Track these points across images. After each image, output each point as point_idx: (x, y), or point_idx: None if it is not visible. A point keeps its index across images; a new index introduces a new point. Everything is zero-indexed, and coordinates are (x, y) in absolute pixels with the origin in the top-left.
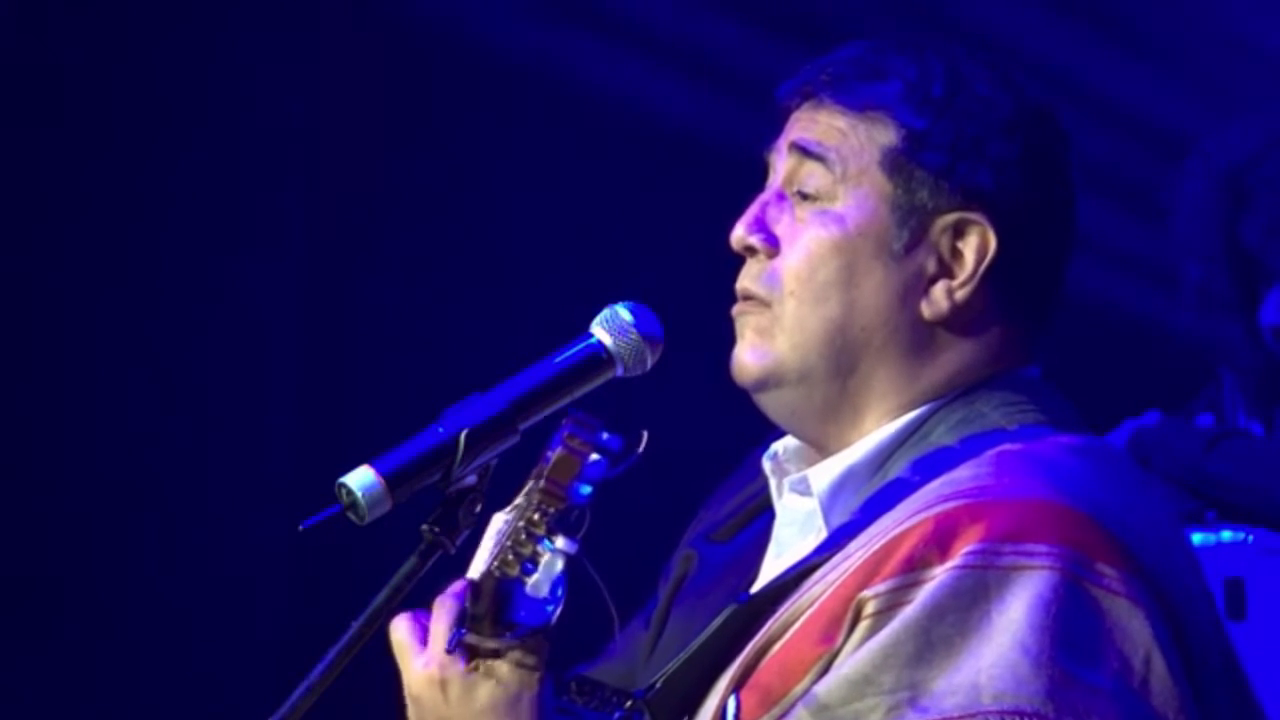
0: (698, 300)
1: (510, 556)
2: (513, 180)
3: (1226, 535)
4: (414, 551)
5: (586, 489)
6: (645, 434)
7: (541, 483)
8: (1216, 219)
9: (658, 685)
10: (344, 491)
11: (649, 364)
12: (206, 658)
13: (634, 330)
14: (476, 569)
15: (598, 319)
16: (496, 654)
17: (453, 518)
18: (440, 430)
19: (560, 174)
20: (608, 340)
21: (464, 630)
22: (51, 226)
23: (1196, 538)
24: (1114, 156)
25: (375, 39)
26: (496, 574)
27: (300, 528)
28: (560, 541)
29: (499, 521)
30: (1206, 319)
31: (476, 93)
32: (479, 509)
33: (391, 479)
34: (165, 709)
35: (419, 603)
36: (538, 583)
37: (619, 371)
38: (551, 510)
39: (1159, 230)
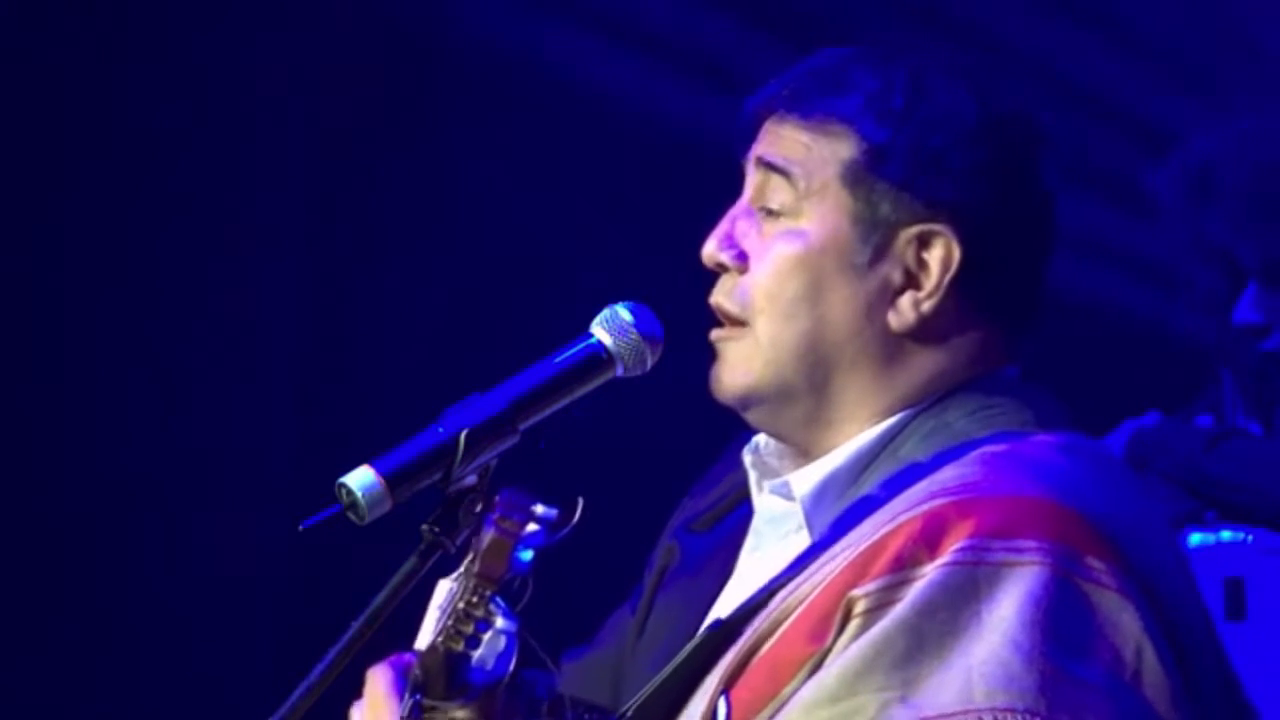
0: (698, 300)
1: (454, 633)
2: (513, 180)
3: (1226, 535)
4: (414, 551)
5: (528, 555)
6: (581, 501)
7: (475, 566)
8: (1194, 220)
9: (629, 715)
10: (344, 491)
11: (649, 364)
12: (206, 658)
13: (634, 330)
14: (423, 640)
15: (598, 319)
16: (452, 717)
17: (453, 518)
18: (440, 430)
19: (561, 174)
20: (608, 340)
21: (419, 696)
22: (51, 226)
23: (1196, 538)
24: (1114, 156)
25: (376, 38)
26: (441, 649)
27: (300, 528)
28: (499, 621)
29: (443, 590)
30: (1204, 319)
31: (477, 92)
32: (479, 509)
33: (391, 479)
34: (165, 709)
35: (419, 603)
36: (483, 657)
37: (619, 371)
38: (488, 592)
39: (1156, 229)
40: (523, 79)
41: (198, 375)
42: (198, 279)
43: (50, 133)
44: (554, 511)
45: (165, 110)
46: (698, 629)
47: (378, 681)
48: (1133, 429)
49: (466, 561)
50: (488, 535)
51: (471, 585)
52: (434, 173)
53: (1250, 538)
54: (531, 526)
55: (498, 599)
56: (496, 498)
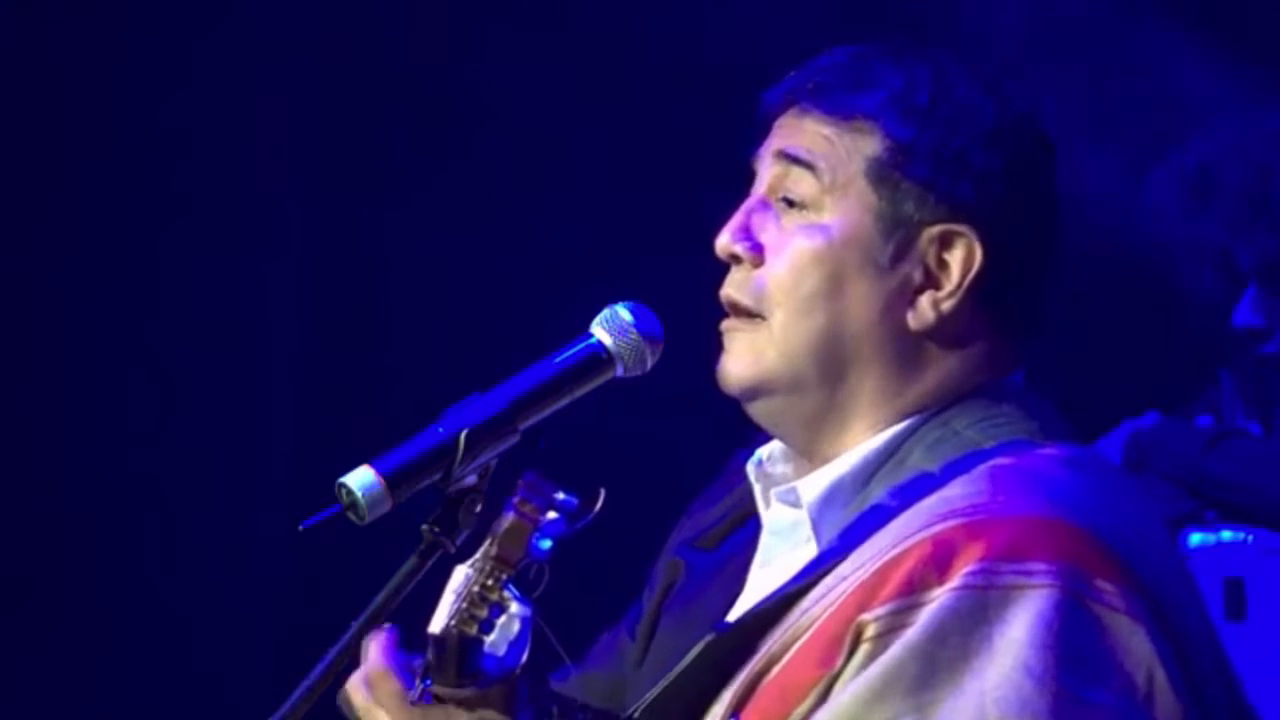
0: (699, 300)
1: (468, 617)
2: (514, 180)
3: (1226, 535)
4: (414, 551)
5: (546, 543)
6: (603, 491)
7: (493, 549)
8: (1193, 222)
9: (636, 716)
10: (344, 491)
11: (649, 364)
12: (206, 658)
13: (634, 330)
14: (438, 623)
15: (598, 319)
16: (462, 703)
17: (453, 518)
18: (440, 430)
19: (562, 174)
20: (608, 340)
21: (430, 681)
22: (51, 226)
23: (1196, 538)
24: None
25: (375, 35)
26: (455, 632)
27: (300, 528)
28: (514, 607)
29: (460, 574)
30: (1204, 321)
31: (476, 91)
32: (479, 509)
33: (391, 479)
34: (165, 709)
35: (418, 603)
36: (495, 643)
37: (619, 371)
38: (504, 576)
39: (1155, 230)
40: (524, 75)
41: (198, 375)
42: (198, 279)
43: (50, 133)
44: (574, 500)
45: (165, 110)
46: None
47: (373, 650)
48: (1132, 429)
49: (485, 545)
50: (507, 518)
51: (488, 568)
52: (434, 172)
53: (1250, 538)
54: (551, 514)
55: (512, 584)
56: (519, 480)
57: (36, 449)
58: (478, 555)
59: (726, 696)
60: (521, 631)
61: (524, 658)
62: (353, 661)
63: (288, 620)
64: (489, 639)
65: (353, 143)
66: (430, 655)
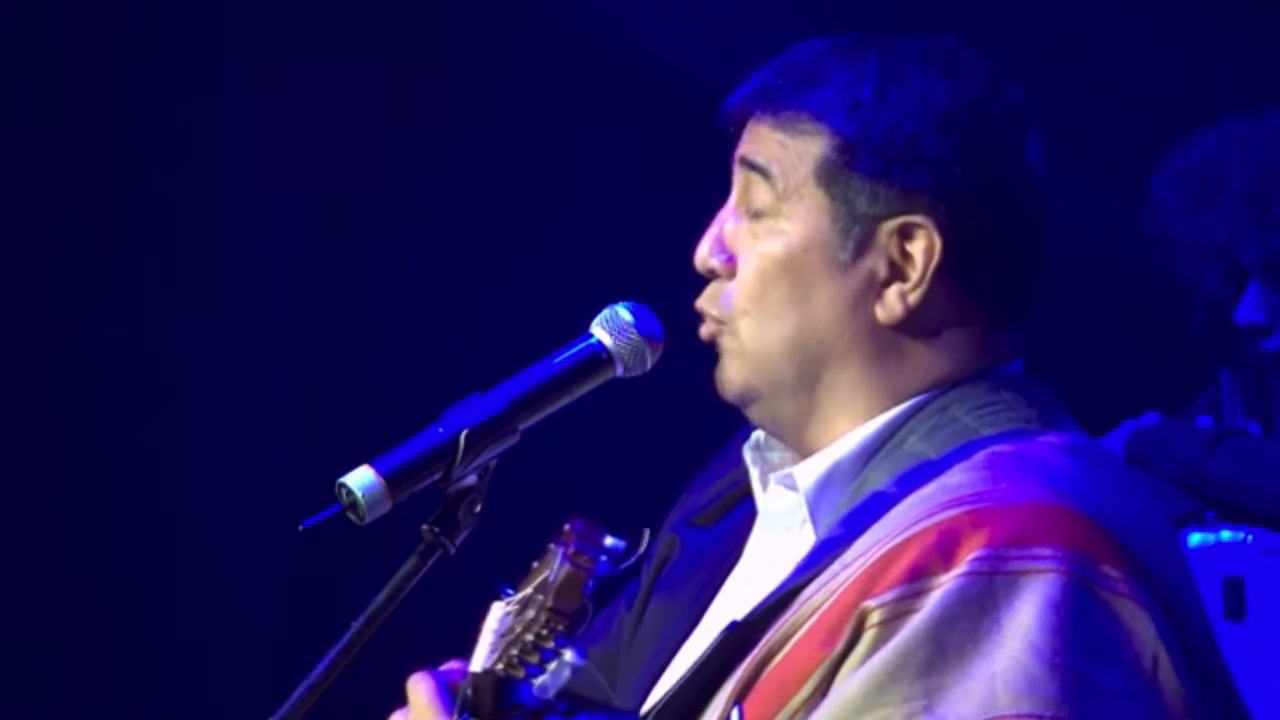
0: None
1: (515, 661)
2: (514, 179)
3: (1226, 535)
4: (414, 551)
5: (589, 584)
6: (647, 532)
7: (549, 602)
8: (1195, 220)
9: (651, 718)
10: (344, 491)
11: (649, 364)
12: (206, 658)
13: (634, 330)
14: (478, 663)
15: (597, 319)
16: None
17: (453, 518)
18: (440, 430)
19: (563, 173)
20: (607, 340)
21: (468, 715)
22: (51, 226)
23: (1196, 538)
24: (1115, 148)
25: (375, 35)
26: (500, 674)
27: (300, 528)
28: (569, 655)
29: (498, 612)
30: (1205, 319)
31: (475, 89)
32: (479, 509)
33: (391, 479)
34: (165, 709)
35: (418, 603)
36: (543, 685)
37: (619, 371)
38: (559, 627)
39: (1156, 228)
40: (523, 75)
41: (197, 375)
42: (197, 278)
43: (49, 130)
44: (622, 544)
45: (165, 109)
46: (697, 624)
47: (419, 691)
48: (1133, 429)
49: (530, 589)
50: (563, 569)
51: (543, 619)
52: (434, 173)
53: (1250, 538)
54: (601, 558)
55: (565, 634)
56: (568, 528)
57: (36, 448)
58: (518, 597)
59: (729, 687)
60: (570, 677)
61: (561, 685)
62: (353, 662)
63: (288, 620)
64: (537, 681)
65: (352, 142)
66: (469, 691)
